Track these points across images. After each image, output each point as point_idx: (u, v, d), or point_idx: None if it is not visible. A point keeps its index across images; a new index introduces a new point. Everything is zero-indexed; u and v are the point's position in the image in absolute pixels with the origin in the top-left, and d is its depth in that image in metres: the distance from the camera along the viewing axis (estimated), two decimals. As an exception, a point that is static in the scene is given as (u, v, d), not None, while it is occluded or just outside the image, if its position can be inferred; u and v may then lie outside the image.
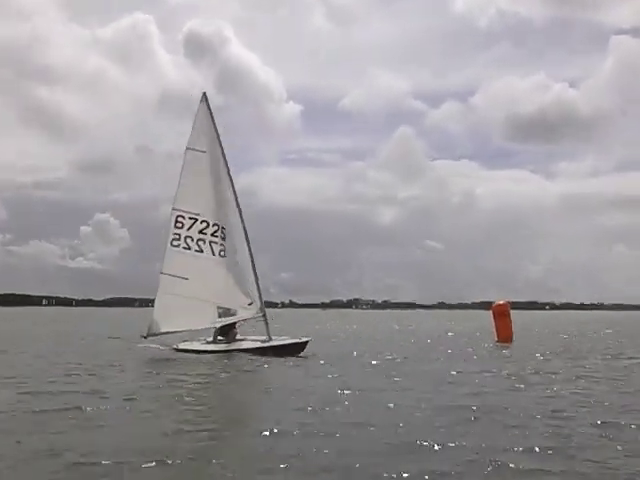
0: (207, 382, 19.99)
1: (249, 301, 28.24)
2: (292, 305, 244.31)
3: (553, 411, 14.43)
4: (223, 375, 21.16)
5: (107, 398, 15.79)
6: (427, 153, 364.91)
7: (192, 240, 28.57)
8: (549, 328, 64.70)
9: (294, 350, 27.38)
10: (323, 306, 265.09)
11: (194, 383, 19.58)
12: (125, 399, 15.62)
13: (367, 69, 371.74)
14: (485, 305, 39.88)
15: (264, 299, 28.80)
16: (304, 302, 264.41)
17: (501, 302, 37.74)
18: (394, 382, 19.41)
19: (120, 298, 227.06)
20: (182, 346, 28.17)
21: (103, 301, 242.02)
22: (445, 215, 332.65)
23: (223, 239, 28.51)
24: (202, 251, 28.52)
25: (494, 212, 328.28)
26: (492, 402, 15.57)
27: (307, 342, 28.04)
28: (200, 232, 28.59)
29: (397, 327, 67.36)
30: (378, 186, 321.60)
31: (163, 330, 28.36)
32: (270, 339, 28.01)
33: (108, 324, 66.35)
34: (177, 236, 28.62)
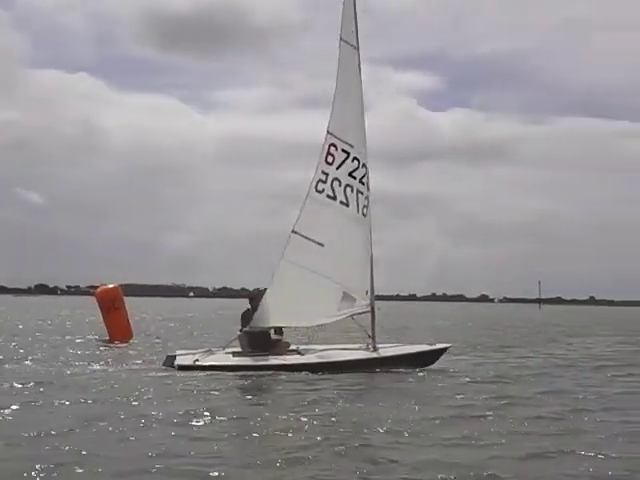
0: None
1: (366, 288, 19.60)
2: None
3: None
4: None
5: None
6: (25, 56, 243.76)
7: (339, 184, 18.93)
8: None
9: (420, 361, 19.38)
10: None
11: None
12: None
13: None
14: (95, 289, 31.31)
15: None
16: None
17: (110, 286, 28.20)
18: None
19: None
20: (203, 360, 18.19)
21: None
22: (53, 155, 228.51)
23: (368, 189, 19.32)
24: (348, 204, 19.05)
25: (130, 157, 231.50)
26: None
27: (445, 350, 20.37)
28: (350, 174, 19.03)
29: None
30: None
31: (274, 322, 18.71)
32: (375, 346, 19.18)
33: None
34: (324, 176, 18.77)
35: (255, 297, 19.46)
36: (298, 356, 18.62)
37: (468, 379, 17.35)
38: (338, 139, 18.78)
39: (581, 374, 19.41)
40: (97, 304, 27.52)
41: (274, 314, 18.57)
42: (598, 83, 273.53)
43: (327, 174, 18.77)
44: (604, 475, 8.93)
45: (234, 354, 18.66)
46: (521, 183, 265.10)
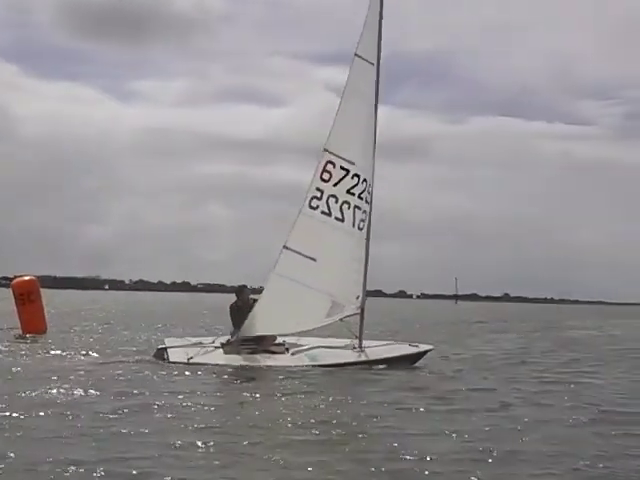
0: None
1: (357, 293, 19.73)
2: None
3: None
4: None
5: None
6: None
7: (336, 201, 18.87)
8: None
9: (405, 363, 19.63)
10: None
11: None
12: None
13: None
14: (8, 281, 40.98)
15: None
16: None
17: (27, 278, 27.74)
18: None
19: None
20: (197, 358, 18.20)
21: None
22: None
23: (367, 203, 19.34)
24: (343, 220, 19.04)
25: (46, 146, 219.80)
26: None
27: (427, 352, 20.58)
28: (348, 191, 18.99)
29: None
30: None
31: (261, 331, 18.88)
32: (361, 346, 19.38)
33: None
34: (319, 193, 18.76)
35: (242, 291, 19.87)
36: (289, 356, 18.77)
37: (393, 375, 17.49)
38: (337, 156, 18.69)
39: (502, 369, 19.86)
40: (12, 295, 26.97)
41: (262, 324, 18.79)
42: (517, 83, 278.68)
43: (322, 191, 18.72)
44: (528, 473, 9.05)
45: (223, 346, 18.82)
46: (440, 181, 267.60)
